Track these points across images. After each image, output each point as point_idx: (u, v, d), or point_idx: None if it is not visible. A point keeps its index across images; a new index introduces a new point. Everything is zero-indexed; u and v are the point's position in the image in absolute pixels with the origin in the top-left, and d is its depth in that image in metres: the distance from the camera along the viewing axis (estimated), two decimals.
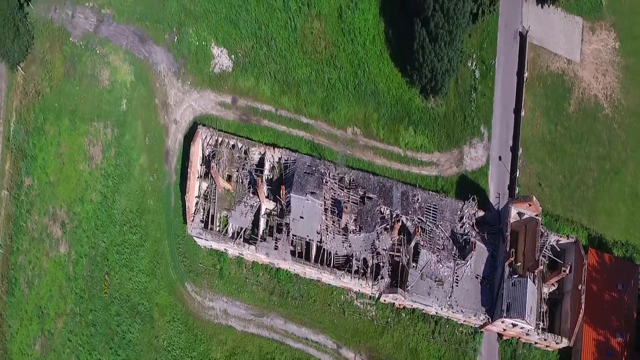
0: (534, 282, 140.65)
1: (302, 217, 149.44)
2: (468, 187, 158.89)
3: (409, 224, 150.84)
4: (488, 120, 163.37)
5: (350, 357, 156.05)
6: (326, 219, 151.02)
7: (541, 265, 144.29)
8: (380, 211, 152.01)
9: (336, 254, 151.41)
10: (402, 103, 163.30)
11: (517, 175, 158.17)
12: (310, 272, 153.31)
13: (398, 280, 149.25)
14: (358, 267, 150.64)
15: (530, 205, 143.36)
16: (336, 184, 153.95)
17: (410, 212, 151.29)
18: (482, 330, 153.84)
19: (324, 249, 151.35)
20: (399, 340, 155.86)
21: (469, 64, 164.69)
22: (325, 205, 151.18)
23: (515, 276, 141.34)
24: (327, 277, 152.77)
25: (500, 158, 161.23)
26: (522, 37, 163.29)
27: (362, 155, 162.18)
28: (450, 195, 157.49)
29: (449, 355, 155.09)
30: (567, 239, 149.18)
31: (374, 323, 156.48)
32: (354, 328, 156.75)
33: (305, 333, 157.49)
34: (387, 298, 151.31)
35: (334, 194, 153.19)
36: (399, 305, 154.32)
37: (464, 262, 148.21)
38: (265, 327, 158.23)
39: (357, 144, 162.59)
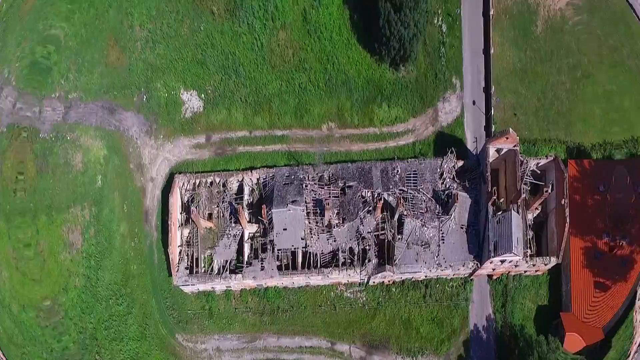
0: (517, 212, 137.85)
1: (285, 229, 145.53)
2: (446, 141, 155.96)
3: (391, 198, 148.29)
4: (459, 70, 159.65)
5: (345, 350, 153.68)
6: (309, 222, 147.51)
7: (523, 193, 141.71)
8: (362, 195, 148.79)
9: (322, 253, 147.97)
10: (373, 82, 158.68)
11: (492, 113, 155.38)
12: (297, 280, 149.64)
13: (385, 257, 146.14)
14: (345, 258, 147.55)
15: (507, 138, 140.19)
16: (316, 184, 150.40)
17: (391, 186, 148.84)
18: (472, 278, 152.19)
19: (310, 252, 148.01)
20: (391, 316, 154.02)
21: (435, 21, 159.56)
22: (307, 209, 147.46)
23: (499, 213, 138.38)
24: (315, 279, 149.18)
25: (474, 102, 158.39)
26: None
27: (339, 147, 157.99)
28: (429, 156, 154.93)
29: (441, 314, 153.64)
30: (547, 158, 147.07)
31: (365, 308, 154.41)
32: (346, 320, 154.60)
33: (298, 342, 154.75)
34: (376, 279, 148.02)
35: (315, 194, 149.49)
36: (388, 281, 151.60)
37: (447, 216, 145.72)
38: (259, 349, 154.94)
39: (333, 138, 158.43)
